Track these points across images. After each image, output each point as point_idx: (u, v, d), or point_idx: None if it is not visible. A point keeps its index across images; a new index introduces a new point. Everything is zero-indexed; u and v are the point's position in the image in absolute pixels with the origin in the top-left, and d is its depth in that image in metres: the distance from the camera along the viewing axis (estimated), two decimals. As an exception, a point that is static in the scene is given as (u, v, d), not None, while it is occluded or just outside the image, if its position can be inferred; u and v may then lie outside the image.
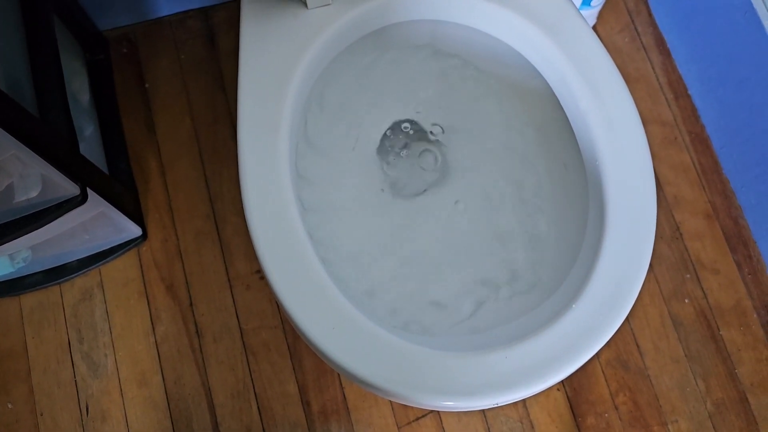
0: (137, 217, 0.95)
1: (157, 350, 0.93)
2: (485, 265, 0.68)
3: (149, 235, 0.97)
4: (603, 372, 0.92)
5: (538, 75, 0.68)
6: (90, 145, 0.93)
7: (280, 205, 0.59)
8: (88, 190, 0.78)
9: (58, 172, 0.72)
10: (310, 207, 0.68)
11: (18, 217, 0.75)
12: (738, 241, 0.98)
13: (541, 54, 0.67)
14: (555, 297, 0.58)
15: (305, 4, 0.64)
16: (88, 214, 0.84)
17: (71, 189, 0.76)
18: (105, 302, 0.94)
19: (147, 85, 1.03)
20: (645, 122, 1.04)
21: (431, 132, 0.79)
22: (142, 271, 0.95)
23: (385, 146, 0.78)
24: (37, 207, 0.76)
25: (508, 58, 0.70)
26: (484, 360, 0.54)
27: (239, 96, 0.62)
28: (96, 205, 0.82)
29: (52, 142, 0.71)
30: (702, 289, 0.96)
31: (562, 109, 0.66)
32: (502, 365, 0.54)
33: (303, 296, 0.57)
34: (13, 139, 0.62)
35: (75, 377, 0.92)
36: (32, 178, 0.74)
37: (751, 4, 0.87)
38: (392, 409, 0.90)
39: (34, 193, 0.74)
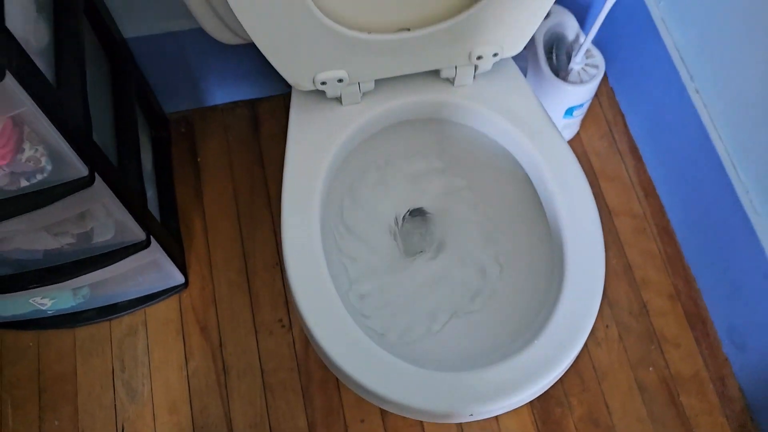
0: (182, 267, 1.11)
1: (188, 383, 1.07)
2: (473, 311, 0.84)
3: (190, 284, 1.13)
4: (576, 427, 1.05)
5: (520, 167, 0.86)
6: (150, 204, 1.11)
7: (314, 262, 0.75)
8: (151, 238, 0.96)
9: (133, 220, 0.89)
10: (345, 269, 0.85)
11: (92, 255, 0.93)
12: (697, 320, 1.13)
13: (523, 151, 0.85)
14: (524, 335, 0.74)
15: (340, 102, 0.83)
16: (145, 260, 1.00)
17: (140, 235, 0.93)
18: (147, 338, 1.09)
19: (199, 159, 1.23)
20: (619, 214, 1.21)
21: (434, 215, 0.96)
22: (181, 314, 1.11)
23: (399, 226, 0.96)
24: (108, 248, 0.93)
25: (498, 151, 0.88)
26: (468, 377, 0.69)
27: (285, 169, 0.80)
28: (153, 251, 0.99)
29: (131, 197, 0.89)
30: (665, 359, 1.10)
31: (536, 193, 0.84)
32: (480, 383, 0.69)
33: (336, 336, 0.72)
34: (110, 191, 0.81)
35: (115, 401, 1.06)
36: (108, 224, 0.92)
37: (704, 127, 1.06)
38: (388, 442, 1.03)
39: (109, 236, 0.92)
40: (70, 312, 1.09)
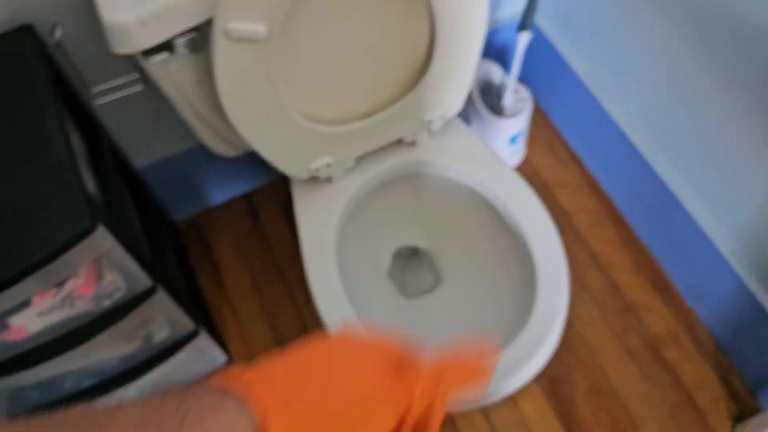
0: (223, 348, 1.29)
1: (253, 444, 1.23)
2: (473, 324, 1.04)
3: (233, 360, 1.31)
4: (584, 399, 1.23)
5: (483, 198, 1.07)
6: (185, 300, 1.29)
7: (338, 299, 0.95)
8: (199, 327, 1.14)
9: (184, 314, 1.08)
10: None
11: (156, 353, 1.11)
12: (660, 284, 1.34)
13: (483, 185, 1.05)
14: (515, 324, 0.93)
15: (331, 181, 1.04)
16: (196, 348, 1.18)
17: (189, 326, 1.11)
18: (208, 415, 1.26)
19: (214, 254, 1.42)
20: (575, 213, 1.43)
21: (423, 250, 1.17)
22: (232, 387, 1.28)
23: (392, 264, 1.16)
24: (167, 343, 1.11)
25: (464, 190, 1.09)
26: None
27: (302, 243, 0.99)
28: (202, 338, 1.17)
29: (180, 295, 1.08)
30: (641, 324, 1.30)
31: (501, 216, 1.05)
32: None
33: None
34: (167, 294, 0.99)
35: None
36: (163, 323, 1.10)
37: (620, 128, 1.29)
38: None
39: (164, 334, 1.10)
40: (138, 409, 1.25)
